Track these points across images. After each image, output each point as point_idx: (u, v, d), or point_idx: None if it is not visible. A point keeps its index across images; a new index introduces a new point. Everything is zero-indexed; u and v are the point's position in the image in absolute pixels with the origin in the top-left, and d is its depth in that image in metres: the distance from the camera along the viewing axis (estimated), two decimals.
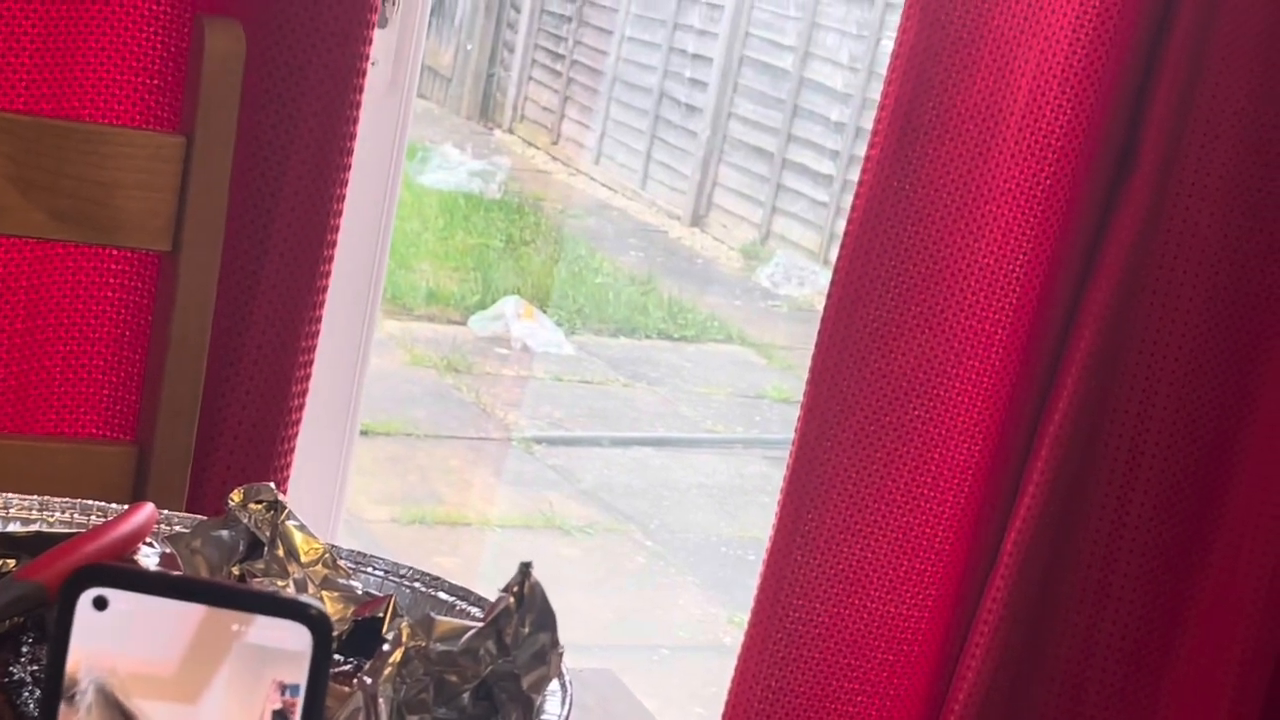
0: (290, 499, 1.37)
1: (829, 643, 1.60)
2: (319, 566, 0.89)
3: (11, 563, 0.88)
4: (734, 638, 1.64)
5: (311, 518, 1.05)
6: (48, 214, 1.20)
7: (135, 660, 0.60)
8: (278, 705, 0.60)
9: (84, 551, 0.84)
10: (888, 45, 1.50)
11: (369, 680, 0.75)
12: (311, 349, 1.37)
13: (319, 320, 1.37)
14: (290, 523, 0.90)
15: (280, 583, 0.88)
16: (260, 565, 0.89)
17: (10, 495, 0.94)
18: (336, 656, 0.84)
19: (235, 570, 0.89)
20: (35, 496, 0.94)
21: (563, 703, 0.79)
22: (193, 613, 0.60)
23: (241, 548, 0.90)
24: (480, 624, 0.77)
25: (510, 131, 6.82)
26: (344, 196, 1.35)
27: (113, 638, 0.60)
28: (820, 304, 1.57)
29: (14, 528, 0.92)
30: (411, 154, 5.93)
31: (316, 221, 1.33)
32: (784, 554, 1.58)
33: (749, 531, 4.06)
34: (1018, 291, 1.53)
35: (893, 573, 1.60)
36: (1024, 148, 1.50)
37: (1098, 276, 1.53)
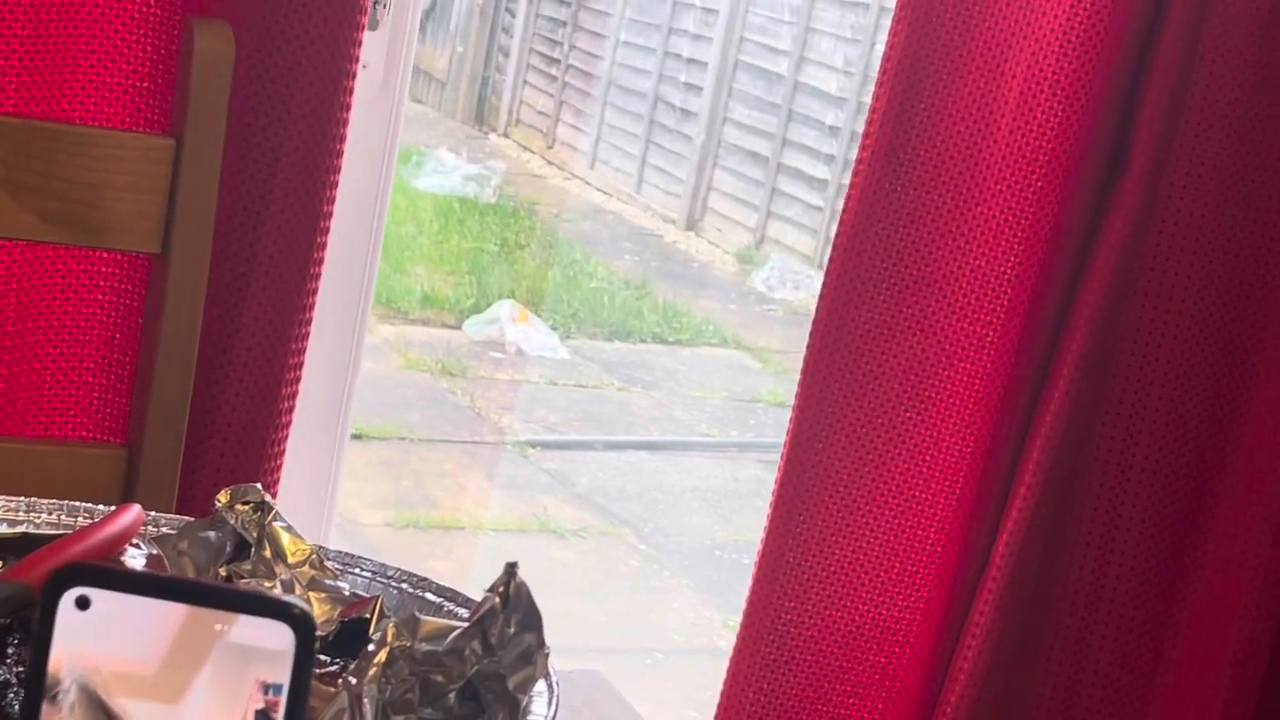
0: (281, 502, 1.37)
1: (821, 645, 1.60)
2: (306, 567, 0.89)
3: None
4: (728, 641, 1.64)
5: (303, 521, 1.05)
6: (37, 216, 1.20)
7: (118, 659, 0.60)
8: (260, 705, 0.60)
9: (70, 552, 0.84)
10: (883, 49, 1.50)
11: (354, 680, 0.75)
12: (301, 351, 1.37)
13: (309, 323, 1.36)
14: (277, 524, 0.90)
15: (267, 584, 0.88)
16: (247, 566, 0.89)
17: None
18: (323, 657, 0.84)
19: (222, 571, 0.89)
20: (22, 498, 0.94)
21: (549, 703, 0.79)
22: (175, 612, 0.60)
23: (228, 549, 0.90)
24: (466, 624, 0.77)
25: (505, 136, 6.82)
26: (334, 199, 1.35)
27: (95, 637, 0.60)
28: (815, 307, 1.57)
29: (0, 529, 0.91)
30: (406, 158, 5.94)
31: (306, 224, 1.33)
32: (776, 556, 1.58)
33: (743, 535, 4.06)
34: (1009, 293, 1.53)
35: (885, 575, 1.60)
36: (1015, 150, 1.50)
37: (1089, 278, 1.53)
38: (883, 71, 1.50)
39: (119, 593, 0.60)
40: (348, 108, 1.33)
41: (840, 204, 1.54)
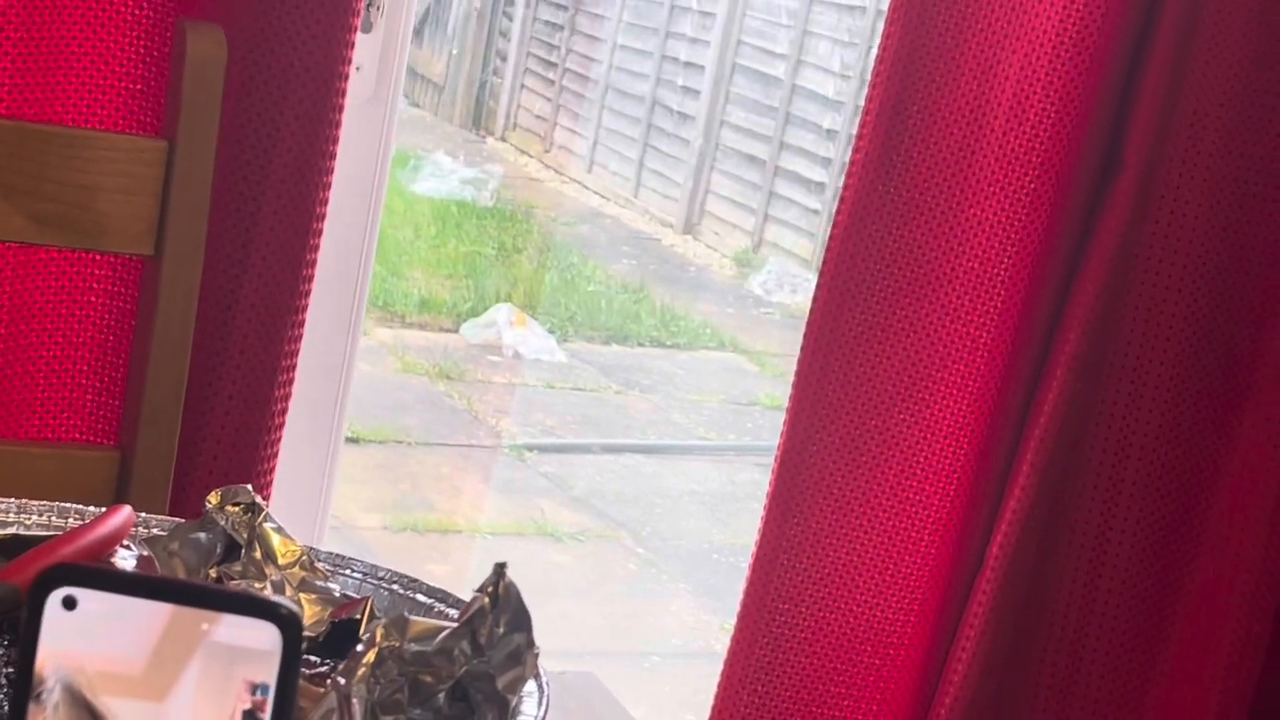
0: (275, 504, 1.37)
1: (815, 647, 1.60)
2: (296, 569, 0.89)
3: None
4: (725, 645, 1.64)
5: (296, 523, 1.05)
6: (29, 218, 1.20)
7: (104, 659, 0.60)
8: (248, 705, 0.60)
9: (60, 554, 0.84)
10: None
11: (342, 680, 0.75)
12: (294, 354, 1.37)
13: (302, 325, 1.36)
14: (268, 525, 0.90)
15: (258, 585, 0.88)
16: (238, 567, 0.89)
17: None
18: (314, 658, 0.84)
19: (213, 572, 0.89)
20: (13, 499, 0.94)
21: (539, 703, 0.79)
22: (162, 612, 0.60)
23: (219, 550, 0.90)
24: (455, 624, 0.77)
25: (503, 139, 6.82)
26: (327, 200, 1.35)
27: (82, 637, 0.60)
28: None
29: None
30: (404, 162, 5.94)
31: (299, 226, 1.33)
32: (770, 559, 1.58)
33: (741, 539, 4.06)
34: (1003, 295, 1.53)
35: (879, 577, 1.60)
36: (1008, 151, 1.50)
37: (1083, 280, 1.53)
38: (876, 74, 1.50)
39: (106, 593, 0.60)
40: (340, 110, 1.33)
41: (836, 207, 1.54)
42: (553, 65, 6.66)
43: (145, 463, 1.25)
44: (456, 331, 5.04)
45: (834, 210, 1.54)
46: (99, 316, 1.36)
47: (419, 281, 5.35)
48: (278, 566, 0.89)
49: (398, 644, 0.76)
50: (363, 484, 3.97)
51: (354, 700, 0.75)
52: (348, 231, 1.57)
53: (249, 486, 0.92)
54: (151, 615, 0.60)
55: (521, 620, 0.77)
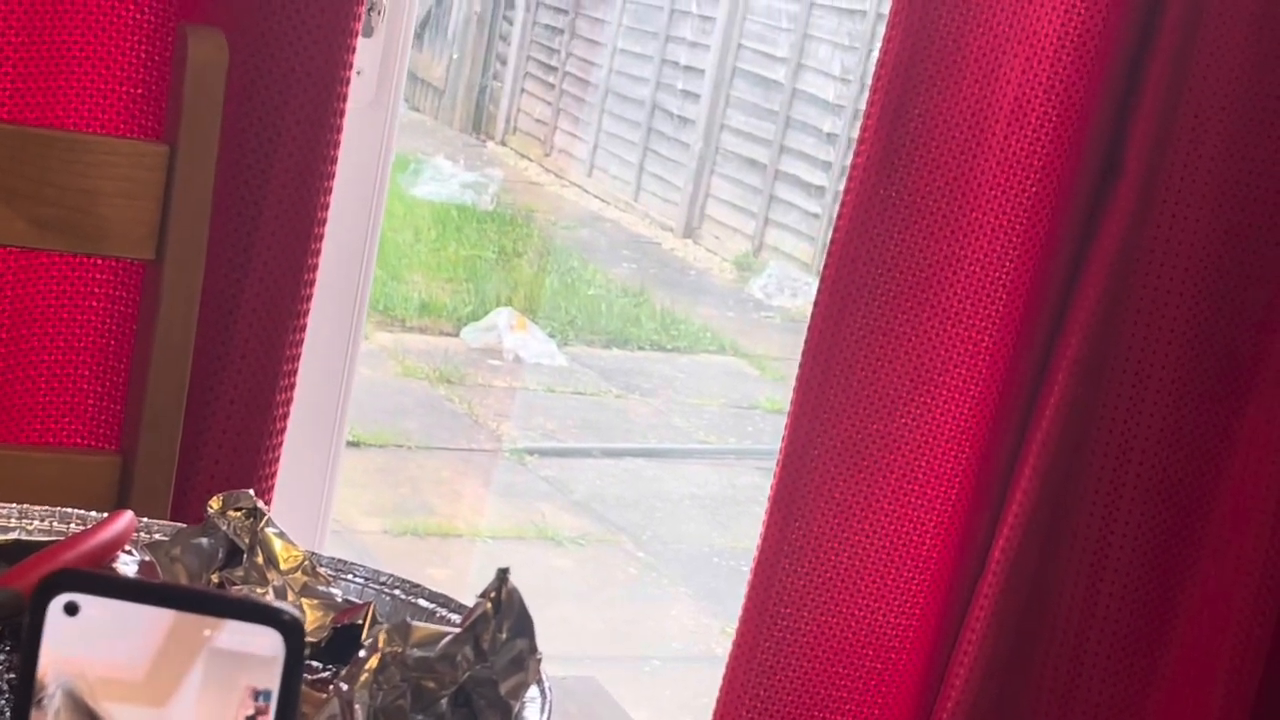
0: (276, 509, 1.37)
1: (817, 652, 1.60)
2: (298, 574, 0.89)
3: None
4: (726, 649, 1.64)
5: (298, 527, 1.05)
6: (31, 223, 1.20)
7: (106, 664, 0.60)
8: (250, 711, 0.60)
9: (62, 559, 0.84)
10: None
11: (345, 686, 0.75)
12: (296, 358, 1.37)
13: (303, 329, 1.36)
14: (269, 530, 0.90)
15: (259, 590, 0.88)
16: (239, 573, 0.89)
17: None
18: (315, 663, 0.84)
19: (214, 578, 0.89)
20: (14, 505, 0.94)
21: (542, 709, 0.79)
22: (164, 617, 0.60)
23: (221, 555, 0.90)
24: (457, 630, 0.77)
25: (502, 143, 6.82)
26: (328, 204, 1.34)
27: (84, 643, 0.60)
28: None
29: None
30: (404, 166, 5.94)
31: (300, 230, 1.33)
32: (772, 563, 1.58)
33: (741, 542, 4.06)
34: (1004, 299, 1.53)
35: (881, 581, 1.59)
36: (1009, 155, 1.50)
37: (1084, 284, 1.53)
38: (877, 77, 1.50)
39: (107, 598, 0.60)
40: (341, 114, 1.33)
41: (838, 211, 1.54)
42: (553, 69, 6.67)
43: (147, 467, 1.25)
44: (457, 335, 5.04)
45: (834, 214, 1.54)
46: (100, 321, 1.36)
47: (419, 285, 5.35)
48: (280, 572, 0.89)
49: (400, 650, 0.76)
50: (363, 488, 3.97)
51: (356, 706, 0.75)
52: (348, 236, 1.57)
53: (251, 491, 0.92)
54: (154, 621, 0.60)
55: (524, 626, 0.77)
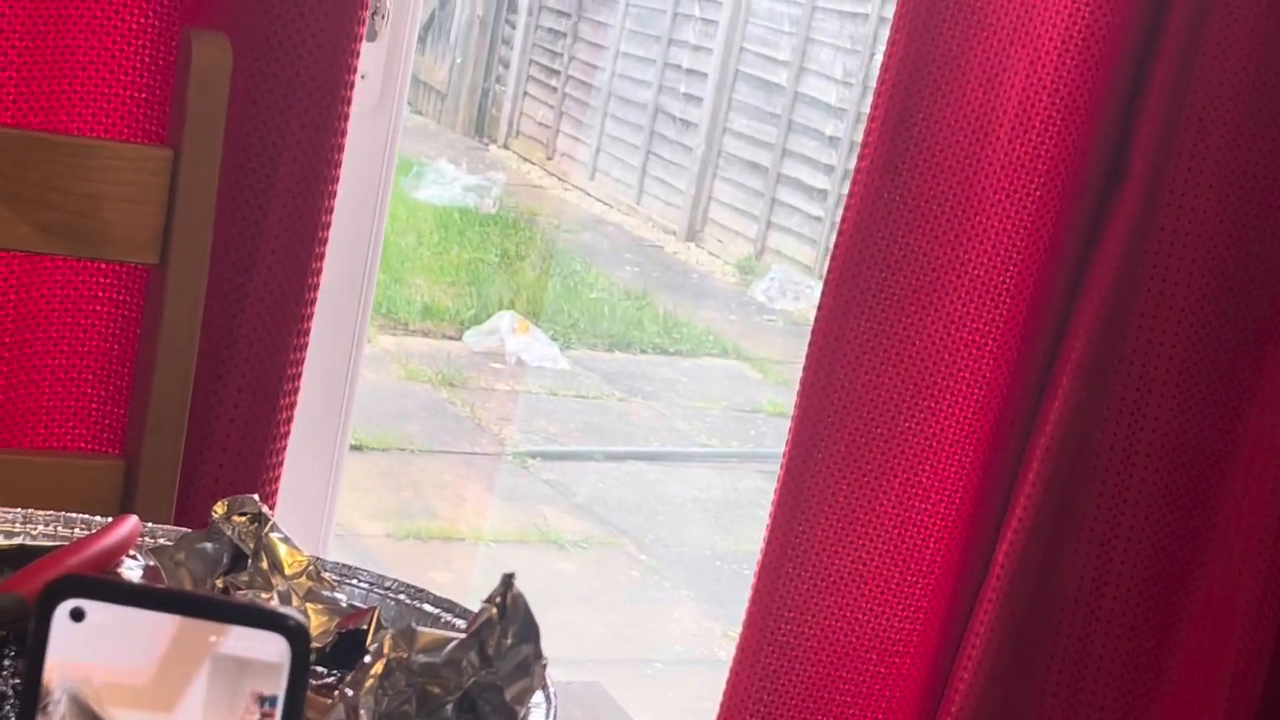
0: (280, 513, 1.36)
1: (821, 656, 1.60)
2: (303, 579, 0.89)
3: None
4: (729, 652, 1.64)
5: (301, 532, 1.04)
6: (35, 227, 1.20)
7: (111, 670, 0.60)
8: (256, 716, 0.60)
9: (67, 564, 0.84)
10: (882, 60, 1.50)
11: (350, 692, 0.75)
12: (300, 362, 1.37)
13: (307, 333, 1.36)
14: (274, 535, 0.90)
15: (264, 595, 0.87)
16: (244, 578, 0.89)
17: None
18: (320, 668, 0.84)
19: (219, 583, 0.89)
20: (19, 509, 0.94)
21: (547, 714, 0.79)
22: (169, 623, 0.60)
23: (225, 560, 0.90)
24: (463, 635, 0.77)
25: (505, 147, 6.83)
26: (332, 209, 1.34)
27: (89, 649, 0.60)
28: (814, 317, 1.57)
29: None
30: (407, 169, 5.94)
31: (304, 234, 1.33)
32: (775, 567, 1.58)
33: (744, 546, 4.06)
34: (1008, 302, 1.53)
35: (884, 585, 1.59)
36: (1014, 158, 1.50)
37: (1088, 287, 1.53)
38: (881, 81, 1.50)
39: (113, 604, 0.60)
40: (346, 118, 1.33)
41: (840, 214, 1.54)
42: (555, 73, 6.67)
43: (150, 472, 1.25)
44: (459, 339, 5.04)
45: (837, 217, 1.54)
46: (104, 325, 1.36)
47: (422, 289, 5.35)
48: (284, 577, 0.88)
49: (405, 655, 0.76)
50: (366, 491, 3.97)
51: (361, 711, 0.74)
52: (352, 239, 1.57)
53: (255, 496, 0.91)
54: (159, 627, 0.60)
55: (529, 631, 0.77)
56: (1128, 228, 1.51)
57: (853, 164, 1.51)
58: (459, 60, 6.78)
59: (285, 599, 0.87)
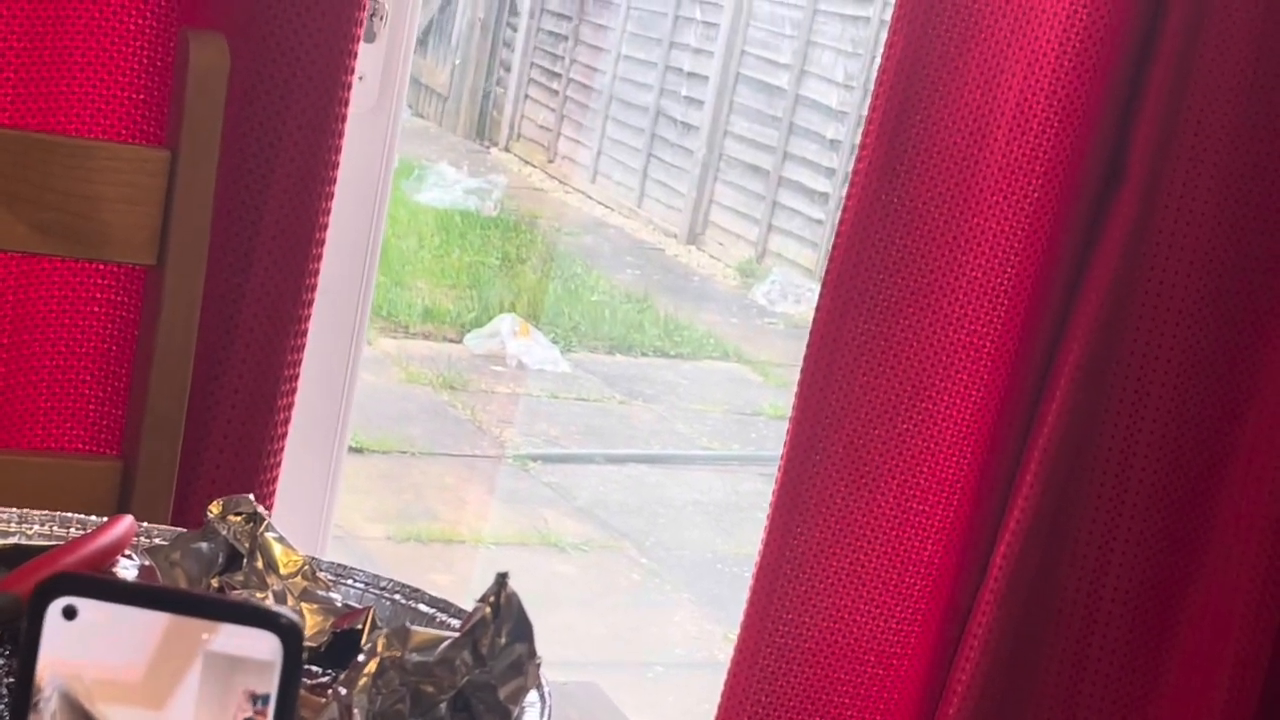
0: (277, 514, 1.37)
1: (819, 657, 1.60)
2: (298, 578, 0.89)
3: None
4: (729, 655, 1.64)
5: (299, 533, 1.05)
6: (32, 228, 1.20)
7: (103, 667, 0.60)
8: (248, 714, 0.60)
9: (62, 563, 0.84)
10: None
11: (344, 690, 0.75)
12: (297, 363, 1.37)
13: (304, 335, 1.36)
14: (269, 535, 0.90)
15: (259, 595, 0.88)
16: (239, 577, 0.89)
17: None
18: (315, 668, 0.84)
19: (214, 582, 0.89)
20: (14, 509, 0.94)
21: (542, 714, 0.79)
22: (161, 621, 0.60)
23: (221, 560, 0.90)
24: (456, 634, 0.77)
25: (506, 149, 6.83)
26: (329, 210, 1.34)
27: (82, 646, 0.60)
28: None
29: None
30: (408, 172, 5.95)
31: (302, 235, 1.33)
32: (773, 569, 1.58)
33: (744, 548, 4.06)
34: (1006, 304, 1.53)
35: (882, 587, 1.59)
36: (1011, 161, 1.50)
37: (1086, 289, 1.53)
38: (879, 83, 1.50)
39: (106, 602, 0.60)
40: (343, 119, 1.33)
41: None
42: (557, 75, 6.67)
43: (147, 472, 1.25)
44: (460, 341, 5.04)
45: (838, 220, 1.54)
46: (101, 326, 1.36)
47: (423, 291, 5.36)
48: (279, 576, 0.89)
49: (399, 654, 0.76)
50: (366, 494, 3.97)
51: (355, 710, 0.75)
52: (351, 241, 1.57)
53: (251, 496, 0.92)
54: (151, 625, 0.60)
55: (523, 630, 0.77)
56: (1125, 229, 1.51)
57: (853, 166, 1.51)
58: (460, 63, 6.78)
59: (280, 599, 0.87)
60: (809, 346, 1.55)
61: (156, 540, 0.93)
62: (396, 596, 0.92)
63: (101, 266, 1.35)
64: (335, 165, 1.33)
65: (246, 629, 0.60)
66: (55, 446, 1.37)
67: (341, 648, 0.85)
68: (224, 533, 0.90)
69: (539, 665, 0.78)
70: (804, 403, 1.55)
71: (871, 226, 1.51)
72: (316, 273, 1.35)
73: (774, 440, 4.76)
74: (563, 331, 5.30)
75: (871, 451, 1.56)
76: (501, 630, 0.76)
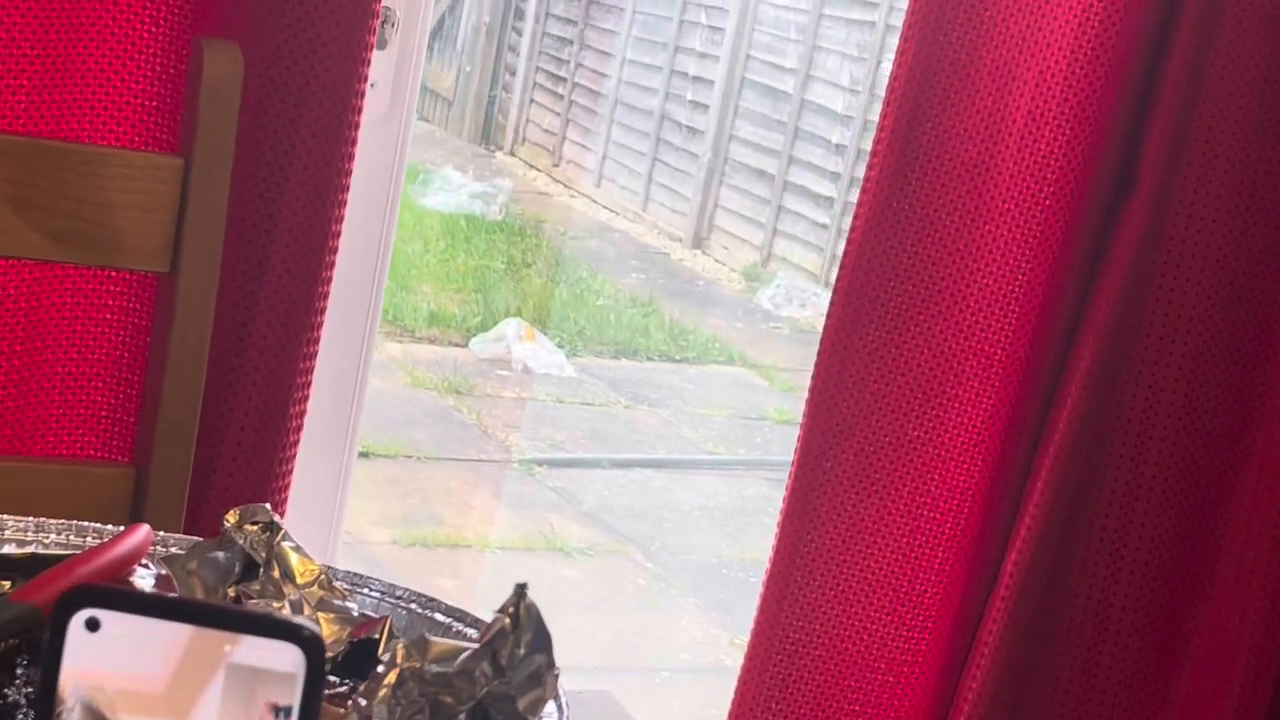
0: (289, 520, 1.36)
1: (830, 664, 1.60)
2: (315, 588, 0.89)
3: (7, 585, 0.87)
4: (735, 660, 1.64)
5: (310, 539, 1.04)
6: (46, 235, 1.20)
7: (125, 679, 0.60)
8: None
9: (79, 573, 0.84)
10: (888, 67, 1.50)
11: (363, 701, 0.75)
12: (309, 370, 1.37)
13: (317, 341, 1.36)
14: (286, 544, 0.90)
15: (276, 604, 0.88)
16: (256, 586, 0.89)
17: (6, 517, 0.94)
18: (332, 678, 0.84)
19: (231, 592, 0.89)
20: (31, 518, 0.94)
21: None
22: (184, 633, 0.60)
23: (237, 569, 0.90)
24: (475, 645, 0.77)
25: (511, 154, 6.83)
26: (342, 218, 1.35)
27: (105, 658, 0.60)
28: (822, 325, 1.57)
29: (9, 550, 0.91)
30: (413, 176, 5.95)
31: (315, 242, 1.33)
32: (784, 575, 1.58)
33: (750, 553, 4.05)
34: (1018, 311, 1.53)
35: (894, 593, 1.59)
36: (1023, 168, 1.50)
37: (1097, 296, 1.53)
38: (890, 90, 1.50)
39: (129, 614, 0.60)
40: (356, 126, 1.33)
41: (846, 222, 1.54)
42: (562, 80, 6.67)
43: (161, 479, 1.25)
44: (466, 346, 5.04)
45: (843, 225, 1.54)
46: (114, 333, 1.36)
47: (428, 296, 5.36)
48: (296, 585, 0.89)
49: (419, 665, 0.76)
50: (372, 498, 3.97)
51: None
52: (361, 247, 1.57)
53: (267, 505, 0.92)
54: (174, 636, 0.60)
55: (542, 641, 0.77)
56: (1137, 237, 1.51)
57: (859, 171, 1.51)
58: (466, 68, 6.79)
59: (297, 608, 0.87)
60: (820, 353, 1.55)
61: (173, 549, 0.93)
62: (413, 606, 0.92)
63: (114, 274, 1.35)
64: (348, 172, 1.33)
65: (269, 641, 0.60)
66: (68, 453, 1.37)
67: (358, 657, 0.85)
68: (240, 542, 0.90)
69: (558, 676, 0.78)
70: (815, 409, 1.55)
71: (883, 233, 1.51)
72: (329, 280, 1.35)
73: (779, 445, 4.76)
74: (568, 336, 5.30)
75: (882, 458, 1.56)
76: (521, 641, 0.76)
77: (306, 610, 0.88)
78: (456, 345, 5.06)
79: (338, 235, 1.35)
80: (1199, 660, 1.60)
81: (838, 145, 5.66)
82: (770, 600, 1.59)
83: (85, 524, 0.95)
